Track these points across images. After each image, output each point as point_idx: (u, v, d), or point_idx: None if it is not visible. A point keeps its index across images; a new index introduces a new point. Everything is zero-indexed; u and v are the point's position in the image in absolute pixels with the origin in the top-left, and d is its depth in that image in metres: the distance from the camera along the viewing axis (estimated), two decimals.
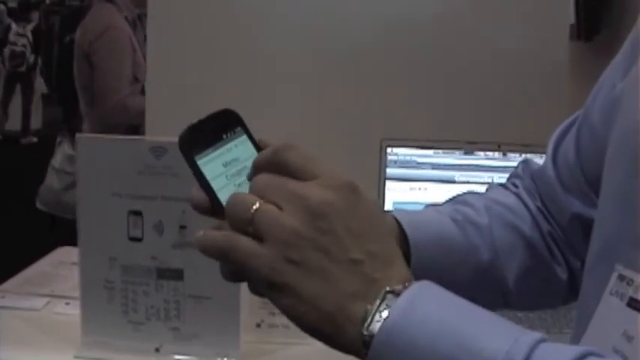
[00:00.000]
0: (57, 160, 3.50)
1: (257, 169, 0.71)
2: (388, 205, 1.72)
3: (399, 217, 0.91)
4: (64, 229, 3.34)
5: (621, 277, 0.75)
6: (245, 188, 0.73)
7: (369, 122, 2.20)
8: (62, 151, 3.49)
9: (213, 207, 0.73)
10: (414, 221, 0.91)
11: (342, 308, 0.66)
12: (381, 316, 0.65)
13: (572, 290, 0.99)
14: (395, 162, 1.73)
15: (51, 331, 1.63)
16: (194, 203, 0.73)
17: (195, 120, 0.74)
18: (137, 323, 1.53)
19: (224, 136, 0.74)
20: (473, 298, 0.91)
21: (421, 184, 1.72)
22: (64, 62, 3.60)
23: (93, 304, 1.53)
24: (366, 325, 0.65)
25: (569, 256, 0.99)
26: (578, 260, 0.97)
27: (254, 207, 0.68)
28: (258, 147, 0.76)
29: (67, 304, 1.74)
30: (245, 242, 0.68)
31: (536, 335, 0.64)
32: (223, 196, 0.72)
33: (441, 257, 0.91)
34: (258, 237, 0.67)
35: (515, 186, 1.05)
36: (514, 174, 1.08)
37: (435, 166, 1.73)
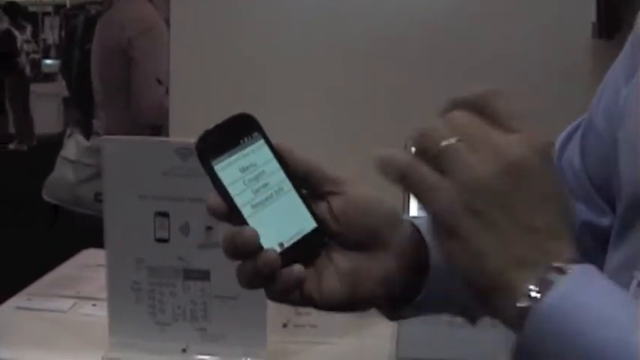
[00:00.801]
0: (70, 152, 3.46)
1: (455, 105, 0.68)
2: (414, 210, 1.72)
3: (417, 223, 0.88)
4: (67, 220, 3.34)
5: None
6: (263, 194, 0.73)
7: (394, 125, 2.20)
8: (75, 142, 3.47)
9: (230, 212, 0.73)
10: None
11: (505, 271, 0.63)
12: (547, 289, 0.62)
13: None
14: None
15: (78, 332, 1.63)
16: (211, 209, 0.73)
17: (212, 125, 0.73)
18: (164, 324, 1.53)
19: (241, 141, 0.74)
20: None
21: None
22: (84, 69, 3.61)
23: (120, 306, 1.54)
24: (528, 294, 0.62)
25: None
26: None
27: (447, 141, 0.65)
28: (275, 152, 0.75)
29: (94, 305, 1.74)
30: (428, 172, 0.65)
31: None
32: (240, 202, 0.72)
33: None
34: (441, 172, 0.65)
35: None
36: None
37: None
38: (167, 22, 3.39)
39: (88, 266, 1.98)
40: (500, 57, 2.23)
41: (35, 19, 11.29)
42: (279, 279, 0.74)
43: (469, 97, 0.68)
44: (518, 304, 0.62)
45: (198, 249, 1.49)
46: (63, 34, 8.74)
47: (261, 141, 0.75)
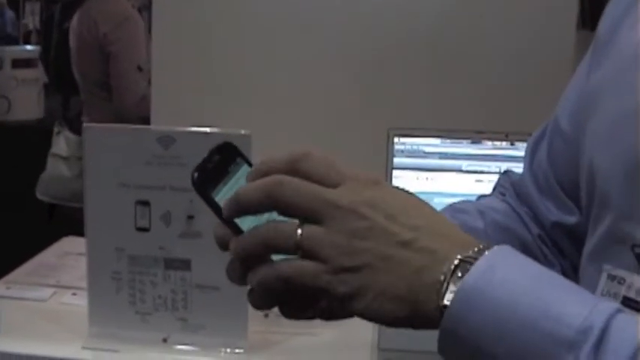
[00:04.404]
0: (62, 149, 3.46)
1: (266, 169, 0.72)
2: None
3: None
4: (63, 218, 3.33)
5: (611, 277, 0.76)
6: (263, 216, 0.74)
7: (376, 112, 2.19)
8: (65, 139, 3.47)
9: None
10: None
11: (413, 287, 0.67)
12: (456, 281, 0.65)
13: None
14: (402, 151, 1.72)
15: (58, 321, 1.62)
16: (220, 241, 0.74)
17: (199, 160, 0.75)
18: (144, 314, 1.53)
19: (229, 169, 0.76)
20: None
21: (429, 174, 1.71)
22: (63, 49, 3.58)
23: (100, 295, 1.53)
24: (442, 292, 0.65)
25: (559, 258, 1.01)
26: (567, 261, 1.00)
27: (298, 233, 0.69)
28: None
29: (74, 294, 1.73)
30: (307, 266, 0.69)
31: (615, 305, 0.64)
32: (245, 226, 0.73)
33: None
34: (308, 257, 0.69)
35: (503, 194, 1.08)
36: (498, 185, 1.11)
37: (443, 156, 1.72)
38: (140, 10, 3.37)
39: (69, 254, 1.97)
40: (486, 49, 2.22)
41: (17, 5, 11.19)
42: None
43: (278, 164, 0.71)
44: (438, 305, 0.65)
45: (179, 238, 1.48)
46: (44, 17, 8.67)
47: (245, 165, 0.77)
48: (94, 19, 3.35)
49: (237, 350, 1.51)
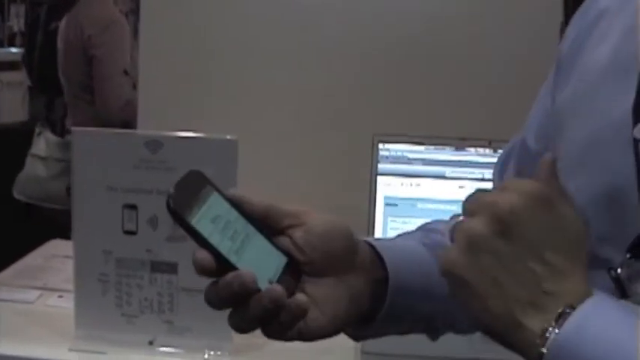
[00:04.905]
0: (40, 149, 3.46)
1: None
2: (380, 201, 1.74)
3: (374, 244, 0.91)
4: (42, 219, 3.32)
5: None
6: (237, 240, 0.76)
7: (361, 118, 2.21)
8: (45, 139, 3.47)
9: (218, 264, 0.75)
10: (388, 247, 0.92)
11: (512, 313, 0.67)
12: (553, 330, 0.65)
13: None
14: (387, 157, 1.74)
15: (44, 324, 1.63)
16: (200, 265, 0.74)
17: (170, 189, 0.75)
18: (131, 316, 1.54)
19: (200, 196, 0.76)
20: (453, 320, 0.94)
21: (413, 180, 1.73)
22: (48, 51, 3.59)
23: (87, 297, 1.54)
24: (537, 336, 0.66)
25: None
26: None
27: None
28: (229, 200, 0.78)
29: (60, 296, 1.74)
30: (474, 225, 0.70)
31: None
32: (225, 251, 0.75)
33: (418, 280, 0.91)
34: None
35: None
36: None
37: (426, 162, 1.74)
38: (127, 14, 3.37)
39: (55, 257, 1.97)
40: (470, 57, 2.24)
41: (1, 7, 11.15)
42: (288, 310, 0.77)
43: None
44: (531, 344, 0.66)
45: (166, 242, 1.49)
46: (29, 20, 8.63)
47: (215, 193, 0.77)
48: (80, 22, 3.36)
49: (222, 353, 1.52)
